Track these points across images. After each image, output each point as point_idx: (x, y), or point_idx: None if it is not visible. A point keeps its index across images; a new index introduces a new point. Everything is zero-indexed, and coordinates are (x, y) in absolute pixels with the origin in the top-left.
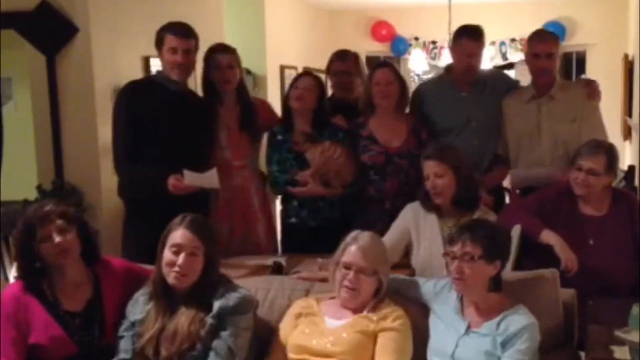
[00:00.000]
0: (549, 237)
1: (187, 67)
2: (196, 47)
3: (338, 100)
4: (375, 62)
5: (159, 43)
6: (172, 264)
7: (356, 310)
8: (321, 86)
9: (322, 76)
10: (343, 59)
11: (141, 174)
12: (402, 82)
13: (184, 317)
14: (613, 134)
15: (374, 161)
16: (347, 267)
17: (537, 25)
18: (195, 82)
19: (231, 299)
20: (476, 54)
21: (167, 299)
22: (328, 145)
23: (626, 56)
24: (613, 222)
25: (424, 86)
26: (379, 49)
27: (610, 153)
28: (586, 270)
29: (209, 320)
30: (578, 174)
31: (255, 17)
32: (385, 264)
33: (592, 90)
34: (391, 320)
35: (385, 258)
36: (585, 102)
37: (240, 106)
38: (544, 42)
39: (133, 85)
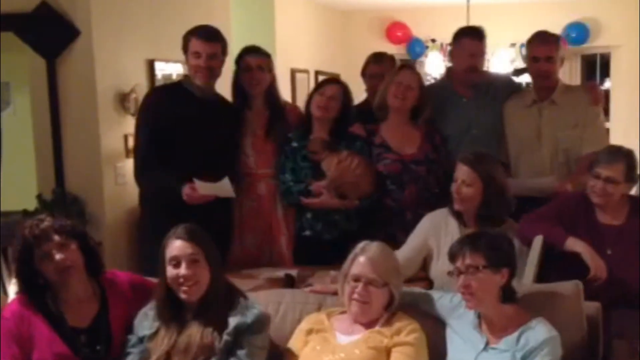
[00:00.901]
0: (575, 244)
1: (211, 72)
2: (223, 52)
3: (372, 105)
4: (402, 63)
5: (185, 47)
6: (177, 278)
7: (368, 325)
8: (347, 94)
9: None
10: (379, 62)
11: (158, 182)
12: (422, 91)
13: (195, 330)
14: (638, 137)
15: (389, 170)
16: (356, 279)
17: (560, 26)
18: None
19: (249, 316)
20: (478, 54)
21: (175, 315)
22: (345, 155)
23: None
24: (631, 232)
25: (427, 90)
26: (395, 51)
27: (629, 160)
28: (605, 282)
29: (225, 336)
30: (596, 182)
31: (264, 18)
32: (396, 275)
33: (595, 95)
34: (405, 335)
35: (396, 268)
36: (588, 107)
37: (269, 111)
38: (543, 44)
39: (157, 91)
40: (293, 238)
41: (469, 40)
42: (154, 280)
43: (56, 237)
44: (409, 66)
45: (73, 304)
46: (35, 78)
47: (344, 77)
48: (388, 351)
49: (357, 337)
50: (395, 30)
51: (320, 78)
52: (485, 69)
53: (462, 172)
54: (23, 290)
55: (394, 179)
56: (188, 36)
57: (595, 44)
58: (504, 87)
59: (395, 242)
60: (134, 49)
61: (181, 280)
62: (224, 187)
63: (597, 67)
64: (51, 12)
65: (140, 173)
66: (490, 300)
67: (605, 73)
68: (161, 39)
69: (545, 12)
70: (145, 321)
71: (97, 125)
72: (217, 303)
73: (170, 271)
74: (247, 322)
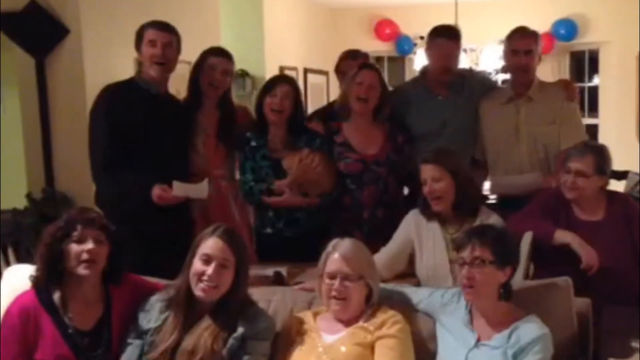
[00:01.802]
0: (564, 236)
1: (167, 62)
2: (178, 45)
3: None
4: (362, 63)
5: (139, 41)
6: (201, 274)
7: (351, 321)
8: (298, 91)
9: (322, 77)
10: (354, 58)
11: (123, 183)
12: (384, 90)
13: (207, 333)
14: (628, 135)
15: (350, 169)
16: (332, 276)
17: (548, 22)
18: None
19: (258, 324)
20: (453, 55)
21: (189, 310)
22: (306, 153)
23: None
24: (610, 227)
25: (401, 89)
26: (383, 48)
27: (599, 154)
28: (589, 278)
29: (232, 340)
30: (567, 177)
31: (253, 16)
32: (371, 268)
33: (570, 91)
34: (388, 327)
35: (370, 262)
36: (564, 103)
37: (221, 112)
38: (523, 38)
39: (110, 89)
40: (251, 236)
41: (443, 40)
42: (155, 281)
43: (98, 231)
44: (369, 65)
45: (80, 306)
46: (25, 77)
47: (332, 75)
48: (373, 346)
49: (341, 334)
50: (383, 27)
51: (309, 75)
52: (471, 66)
53: (427, 170)
54: (41, 273)
55: (354, 179)
56: (141, 29)
57: (584, 40)
58: (479, 84)
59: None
60: (122, 47)
61: (205, 278)
62: (200, 189)
63: (585, 63)
64: (40, 11)
65: (101, 174)
66: (489, 295)
67: (594, 69)
68: None
69: (534, 9)
70: (152, 313)
71: (86, 123)
72: (232, 309)
73: (198, 265)
74: (255, 329)
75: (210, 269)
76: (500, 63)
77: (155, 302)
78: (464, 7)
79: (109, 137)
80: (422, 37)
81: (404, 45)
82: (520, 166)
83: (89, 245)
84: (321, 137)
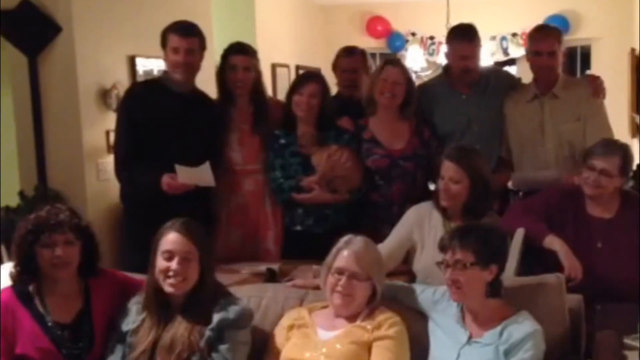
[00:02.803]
0: (553, 242)
1: (190, 67)
2: (201, 46)
3: (344, 98)
4: (386, 58)
5: (164, 44)
6: (165, 271)
7: (349, 319)
8: (326, 89)
9: None
10: (350, 56)
11: (139, 177)
12: (410, 85)
13: (182, 327)
14: (620, 131)
15: (377, 165)
16: (340, 272)
17: (540, 18)
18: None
19: (231, 312)
20: (471, 55)
21: (162, 308)
22: (335, 149)
23: (633, 50)
24: (622, 226)
25: (425, 86)
26: (375, 45)
27: (625, 154)
28: (593, 275)
29: (208, 332)
30: (590, 174)
31: (245, 13)
32: (379, 270)
33: (596, 87)
34: (386, 328)
35: (380, 263)
36: (590, 99)
37: (254, 107)
38: (546, 39)
39: (136, 87)
40: (282, 233)
41: (459, 42)
42: (137, 277)
43: (67, 233)
44: (394, 61)
45: (58, 298)
46: (17, 75)
47: (324, 72)
48: (369, 346)
49: (338, 332)
50: (375, 24)
51: (301, 72)
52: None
53: (449, 169)
54: (17, 270)
55: (382, 174)
56: (166, 32)
57: (576, 37)
58: (503, 82)
59: (382, 236)
60: (115, 45)
61: (170, 273)
62: (204, 173)
63: (577, 59)
64: (33, 9)
65: (120, 169)
66: (476, 295)
67: (586, 65)
68: (142, 35)
69: (525, 5)
70: (129, 315)
71: (79, 121)
72: (204, 300)
73: (161, 263)
74: (230, 318)
75: (174, 264)
76: (493, 59)
77: (132, 305)
78: (456, 4)
79: (130, 134)
80: (413, 34)
81: (395, 42)
82: (546, 164)
83: (58, 251)
84: (349, 133)
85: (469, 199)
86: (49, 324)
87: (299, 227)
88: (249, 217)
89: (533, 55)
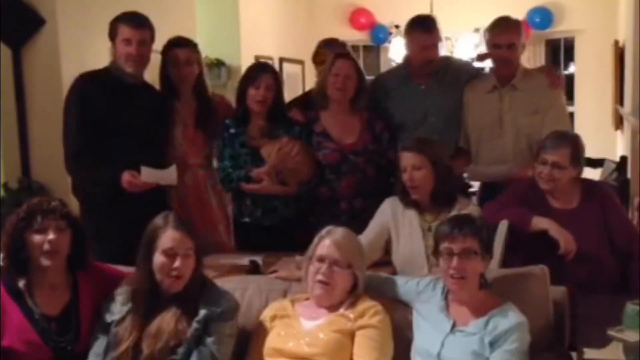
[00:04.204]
0: (541, 222)
1: (142, 59)
2: (152, 38)
3: None
4: (336, 52)
5: (113, 34)
6: (167, 268)
7: (332, 309)
8: (279, 80)
9: (298, 66)
10: (330, 47)
11: (94, 171)
12: (360, 78)
13: (169, 316)
14: (604, 123)
15: (328, 160)
16: (321, 260)
17: (523, 10)
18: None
19: (218, 305)
20: (431, 46)
21: (150, 301)
22: (286, 141)
23: (616, 42)
24: (584, 216)
25: (382, 78)
26: (359, 37)
27: (574, 145)
28: (565, 265)
29: (194, 324)
30: (543, 168)
31: (228, 5)
32: (360, 259)
33: (553, 78)
34: (369, 317)
35: (361, 252)
36: (547, 91)
37: (198, 102)
38: (505, 32)
39: (85, 78)
40: (231, 225)
41: (419, 33)
42: (123, 269)
43: (60, 220)
44: (346, 55)
45: (46, 291)
46: (1, 67)
47: (308, 64)
48: (352, 334)
49: (321, 321)
50: (358, 16)
51: (285, 65)
52: (447, 53)
53: (408, 158)
54: (7, 260)
55: (332, 169)
56: (116, 23)
57: (559, 29)
58: (463, 72)
59: None
60: (98, 37)
61: (174, 273)
62: (168, 175)
63: (561, 51)
64: (16, 1)
65: (72, 163)
66: (474, 285)
67: (570, 57)
68: None
69: None
70: (113, 306)
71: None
72: (192, 292)
73: (162, 260)
74: (217, 311)
75: (177, 262)
76: (475, 51)
77: (117, 295)
78: None
79: (80, 126)
80: (397, 26)
81: (379, 34)
82: (504, 155)
83: (50, 235)
84: (300, 125)
85: (436, 185)
86: (37, 316)
87: (247, 219)
88: (193, 211)
89: (492, 47)
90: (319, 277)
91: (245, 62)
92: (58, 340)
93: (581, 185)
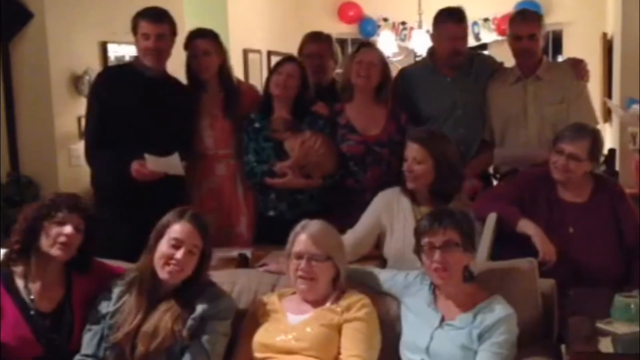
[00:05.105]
0: (526, 226)
1: (161, 53)
2: (172, 32)
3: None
4: (360, 42)
5: (134, 29)
6: (168, 258)
7: (318, 303)
8: (304, 73)
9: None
10: (316, 41)
11: (108, 161)
12: (385, 68)
13: (168, 315)
14: None
15: (352, 152)
16: (299, 256)
17: (511, 4)
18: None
19: (215, 303)
20: (461, 37)
21: (151, 292)
22: (309, 135)
23: (604, 35)
24: (594, 211)
25: (408, 70)
26: (347, 30)
27: (594, 138)
28: (565, 259)
29: (190, 321)
30: (558, 158)
31: None
32: (339, 249)
33: (580, 70)
34: (355, 310)
35: (339, 243)
36: (573, 82)
37: (224, 92)
38: (526, 22)
39: (107, 72)
40: (255, 218)
41: (450, 24)
42: (116, 265)
43: (80, 219)
44: (369, 44)
45: (41, 286)
46: None
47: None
48: (339, 328)
49: (307, 315)
50: (347, 9)
51: (273, 58)
52: None
53: (413, 150)
54: (18, 243)
55: (357, 161)
56: (136, 18)
57: (547, 21)
58: (486, 65)
59: (354, 222)
60: (86, 31)
61: (172, 262)
62: (173, 163)
63: (549, 44)
64: None
65: (91, 154)
66: (458, 278)
67: (558, 50)
68: (114, 21)
69: None
70: (110, 298)
71: (51, 107)
72: (192, 293)
73: (167, 249)
74: (214, 309)
75: (179, 254)
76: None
77: (114, 286)
78: None
79: (99, 118)
80: (385, 19)
81: (367, 28)
82: (528, 146)
83: (68, 229)
84: (324, 118)
85: (435, 181)
86: (32, 312)
87: (272, 213)
88: (222, 202)
89: (513, 38)
90: (300, 273)
91: (234, 56)
92: (51, 337)
93: (592, 179)
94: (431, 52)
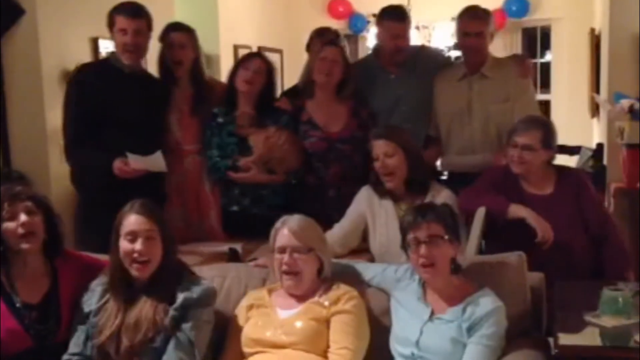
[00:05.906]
0: (518, 210)
1: (138, 49)
2: (148, 27)
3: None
4: (325, 39)
5: (111, 25)
6: (130, 253)
7: (306, 297)
8: (271, 70)
9: (276, 55)
10: (322, 36)
11: (89, 159)
12: (347, 66)
13: (147, 306)
14: (580, 111)
15: (315, 148)
16: (282, 250)
17: (499, 0)
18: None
19: (195, 291)
20: (402, 35)
21: (126, 290)
22: (273, 131)
23: (592, 30)
24: (559, 202)
25: (353, 67)
26: (337, 26)
27: (545, 127)
28: (542, 252)
29: (172, 311)
30: (514, 151)
31: None
32: (320, 241)
33: (523, 67)
34: (343, 303)
35: (320, 235)
36: (517, 80)
37: (194, 89)
38: (473, 20)
39: (85, 68)
40: (221, 212)
41: (391, 22)
42: (102, 258)
43: (27, 202)
44: (332, 41)
45: (26, 279)
46: None
47: (286, 53)
48: (328, 321)
49: (296, 310)
50: (336, 5)
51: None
52: (425, 42)
53: (380, 146)
54: None
55: (319, 157)
56: (112, 13)
57: (536, 17)
58: (433, 60)
59: (318, 218)
60: (78, 27)
61: (135, 255)
62: (156, 161)
63: (537, 39)
64: None
65: (71, 151)
66: (445, 271)
67: (546, 45)
68: (105, 16)
69: None
70: (92, 297)
71: (43, 103)
72: (168, 280)
73: (125, 245)
74: (194, 297)
75: (138, 245)
76: (453, 40)
77: (96, 286)
78: None
79: (78, 115)
80: (374, 15)
81: (357, 23)
82: (473, 143)
83: (22, 218)
84: (288, 114)
85: (409, 171)
86: (17, 304)
87: (235, 207)
88: (189, 196)
89: (461, 35)
90: (284, 267)
91: (224, 52)
92: (39, 328)
93: (557, 171)
94: (376, 49)
